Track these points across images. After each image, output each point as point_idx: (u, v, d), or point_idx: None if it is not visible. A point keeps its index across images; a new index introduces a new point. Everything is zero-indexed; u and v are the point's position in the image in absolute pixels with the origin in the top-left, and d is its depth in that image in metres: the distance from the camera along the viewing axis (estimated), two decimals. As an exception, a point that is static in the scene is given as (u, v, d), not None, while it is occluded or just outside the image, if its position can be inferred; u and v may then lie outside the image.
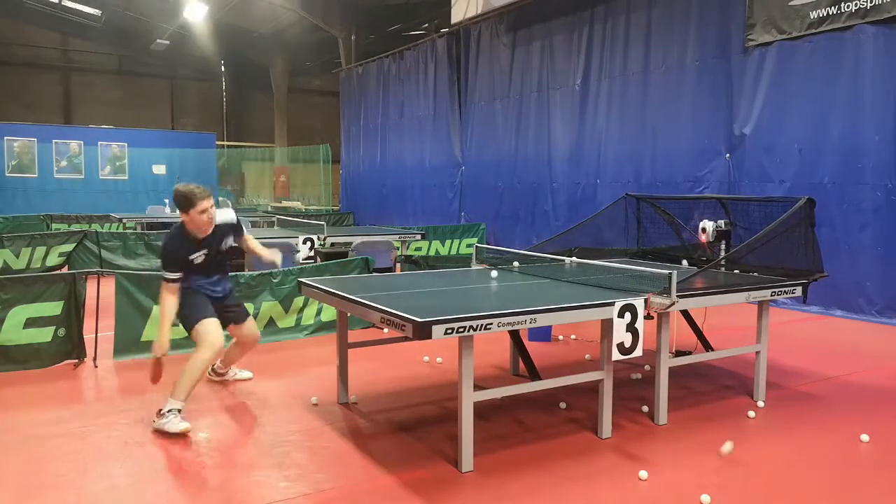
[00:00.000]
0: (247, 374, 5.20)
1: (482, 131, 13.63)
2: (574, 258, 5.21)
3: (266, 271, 6.33)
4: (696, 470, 3.61)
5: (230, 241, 4.58)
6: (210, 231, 4.37)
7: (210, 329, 4.26)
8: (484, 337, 3.73)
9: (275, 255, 4.73)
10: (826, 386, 5.12)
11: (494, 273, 4.85)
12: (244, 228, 4.80)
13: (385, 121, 17.17)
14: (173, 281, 4.29)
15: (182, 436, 3.97)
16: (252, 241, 4.83)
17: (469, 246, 12.15)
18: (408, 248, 9.81)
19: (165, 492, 3.35)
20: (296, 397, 4.73)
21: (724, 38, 8.91)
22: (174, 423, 4.00)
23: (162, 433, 4.00)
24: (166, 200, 13.63)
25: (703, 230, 5.22)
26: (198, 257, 4.36)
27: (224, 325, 4.53)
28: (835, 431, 4.18)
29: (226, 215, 4.55)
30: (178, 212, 4.30)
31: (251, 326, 4.84)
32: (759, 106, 8.53)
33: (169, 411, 4.03)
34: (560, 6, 11.51)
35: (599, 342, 4.00)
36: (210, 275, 4.51)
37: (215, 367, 5.04)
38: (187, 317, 4.35)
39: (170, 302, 4.27)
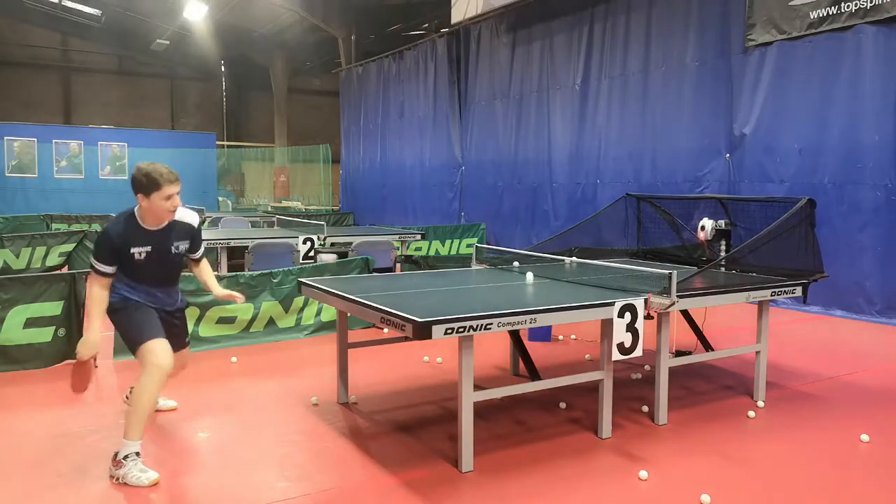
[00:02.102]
0: (171, 403, 4.49)
1: (482, 131, 13.63)
2: (574, 258, 5.21)
3: (266, 271, 6.33)
4: (696, 470, 3.61)
5: (183, 247, 3.85)
6: (163, 224, 3.71)
7: (156, 349, 3.56)
8: (484, 337, 3.73)
9: (232, 295, 4.09)
10: (826, 386, 5.12)
11: (530, 276, 4.75)
12: (201, 244, 4.06)
13: (385, 121, 17.17)
14: (103, 274, 3.61)
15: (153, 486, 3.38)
16: (206, 266, 4.16)
17: (469, 246, 12.15)
18: (408, 248, 9.81)
19: (165, 492, 3.35)
20: (296, 397, 4.73)
21: (724, 38, 8.91)
22: (137, 475, 3.36)
23: (126, 486, 3.37)
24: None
25: (702, 228, 5.22)
26: (139, 252, 3.64)
27: None
28: (835, 431, 4.18)
29: (188, 216, 3.88)
30: (134, 194, 3.62)
31: (186, 356, 4.21)
32: (759, 106, 8.53)
33: (126, 457, 3.41)
34: (560, 6, 11.51)
35: (599, 342, 4.00)
36: (156, 281, 3.80)
37: (128, 393, 4.36)
38: (131, 336, 3.66)
39: (99, 294, 3.60)
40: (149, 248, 3.68)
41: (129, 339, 3.68)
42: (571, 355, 5.95)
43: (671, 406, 4.37)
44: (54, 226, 13.45)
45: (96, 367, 3.67)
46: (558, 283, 4.59)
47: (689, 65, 9.40)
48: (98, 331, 3.58)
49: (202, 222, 11.21)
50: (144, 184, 3.56)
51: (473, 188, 13.95)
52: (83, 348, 3.57)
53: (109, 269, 3.62)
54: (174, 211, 3.68)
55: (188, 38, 22.66)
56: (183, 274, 5.49)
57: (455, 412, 3.58)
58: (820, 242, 4.85)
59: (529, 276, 4.79)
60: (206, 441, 3.98)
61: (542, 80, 12.01)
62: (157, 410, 4.39)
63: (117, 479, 3.40)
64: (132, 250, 3.63)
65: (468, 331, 3.34)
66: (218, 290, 4.10)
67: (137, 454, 3.45)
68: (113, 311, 3.72)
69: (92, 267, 3.63)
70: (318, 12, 18.81)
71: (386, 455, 3.77)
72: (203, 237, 4.12)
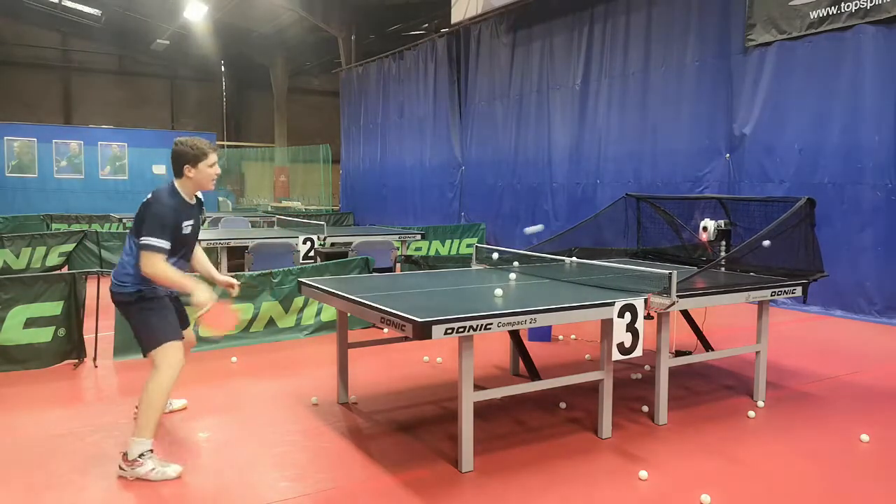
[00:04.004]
0: (181, 402, 4.52)
1: (482, 131, 13.63)
2: (574, 258, 5.21)
3: (266, 271, 6.33)
4: (696, 470, 3.61)
5: (199, 223, 3.92)
6: (195, 199, 3.81)
7: (174, 353, 3.60)
8: (484, 337, 3.73)
9: (230, 283, 4.09)
10: (826, 386, 5.12)
11: (513, 275, 4.80)
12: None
13: (385, 121, 17.17)
14: (164, 252, 3.52)
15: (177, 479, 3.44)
16: (201, 251, 4.11)
17: (469, 246, 12.15)
18: (408, 248, 9.81)
19: (165, 492, 3.35)
20: (296, 397, 4.73)
21: (724, 38, 8.91)
22: (161, 470, 3.42)
23: (147, 482, 3.40)
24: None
25: (705, 228, 5.21)
26: (187, 226, 3.70)
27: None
28: (835, 431, 4.18)
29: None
30: (177, 169, 3.66)
31: (192, 333, 4.24)
32: (759, 106, 8.53)
33: (141, 456, 3.43)
34: (560, 6, 11.51)
35: (599, 342, 4.00)
36: (184, 258, 3.83)
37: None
38: (153, 333, 3.62)
39: (167, 267, 3.55)
40: (192, 222, 3.75)
41: (150, 336, 3.62)
42: (571, 355, 5.95)
43: (671, 406, 4.37)
44: (54, 226, 13.45)
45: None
46: (558, 283, 4.59)
47: (689, 65, 9.40)
48: (197, 283, 3.62)
49: (203, 221, 11.24)
50: (193, 154, 3.65)
51: (473, 188, 13.95)
52: (202, 297, 3.54)
53: (167, 245, 3.54)
54: (215, 179, 3.77)
55: (188, 38, 22.65)
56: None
57: (455, 412, 3.58)
58: (820, 242, 4.85)
59: (512, 274, 4.80)
60: (206, 441, 3.98)
61: (542, 80, 12.01)
62: (170, 411, 4.39)
63: (136, 478, 3.41)
64: (184, 224, 3.67)
65: (468, 331, 3.34)
66: (218, 276, 4.09)
67: (151, 451, 3.47)
68: (139, 300, 3.64)
69: (151, 248, 3.49)
70: (318, 12, 18.81)
71: (386, 455, 3.77)
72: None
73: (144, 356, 3.67)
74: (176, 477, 3.44)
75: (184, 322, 4.01)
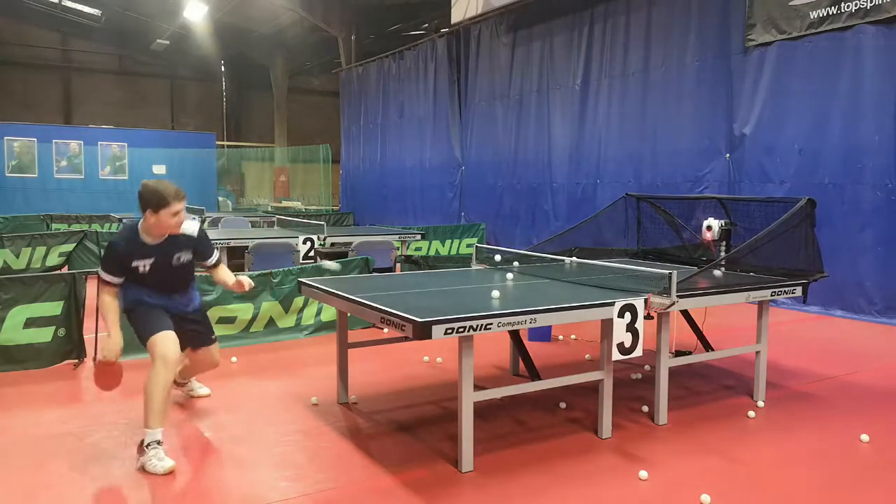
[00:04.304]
0: (205, 390, 4.73)
1: (482, 131, 13.63)
2: (574, 258, 5.20)
3: (266, 271, 6.33)
4: (696, 470, 3.61)
5: (185, 258, 3.99)
6: (164, 238, 3.87)
7: (161, 342, 3.74)
8: (484, 337, 3.73)
9: (240, 282, 4.28)
10: (826, 386, 5.12)
11: (510, 275, 4.80)
12: (214, 252, 4.23)
13: (385, 121, 17.17)
14: (111, 284, 3.83)
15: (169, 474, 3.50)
16: (223, 270, 4.29)
17: (469, 246, 12.14)
18: (408, 248, 9.81)
19: (165, 492, 3.35)
20: (296, 397, 4.73)
21: (724, 38, 8.91)
22: (154, 463, 3.51)
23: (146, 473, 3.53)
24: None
25: (709, 228, 5.20)
26: (143, 265, 3.83)
27: (182, 347, 3.94)
28: (835, 431, 4.18)
29: (188, 226, 3.96)
30: (142, 210, 3.78)
31: (212, 354, 4.33)
32: (759, 106, 8.53)
33: (148, 445, 3.57)
34: (560, 6, 11.51)
35: (599, 342, 4.00)
36: (165, 289, 3.98)
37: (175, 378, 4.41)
38: (141, 332, 3.83)
39: (110, 302, 3.82)
40: (151, 261, 3.86)
41: (140, 336, 3.85)
42: (571, 355, 5.95)
43: (671, 406, 4.37)
44: (54, 226, 13.44)
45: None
46: (558, 283, 4.59)
47: (689, 65, 9.40)
48: (119, 334, 3.81)
49: (203, 223, 11.23)
50: (154, 201, 3.72)
51: (473, 188, 13.95)
52: (107, 351, 3.79)
53: (116, 280, 3.85)
54: (178, 226, 3.86)
55: (188, 38, 22.66)
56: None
57: (455, 412, 3.58)
58: (820, 242, 4.85)
59: (509, 274, 4.80)
60: (206, 441, 3.98)
61: (542, 80, 12.01)
62: (192, 397, 4.68)
63: (140, 466, 3.56)
64: (134, 264, 3.82)
65: (468, 331, 3.34)
66: (231, 280, 4.27)
67: (159, 443, 3.58)
68: (128, 312, 3.94)
69: (100, 277, 3.85)
70: (318, 12, 18.81)
71: (386, 455, 3.77)
72: (212, 243, 4.28)
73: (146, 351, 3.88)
74: (162, 473, 3.49)
75: (203, 339, 4.26)
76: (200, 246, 4.08)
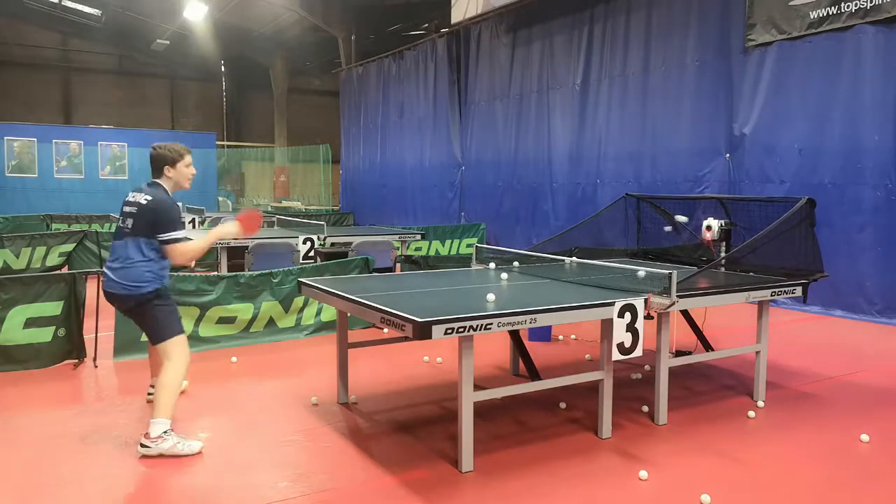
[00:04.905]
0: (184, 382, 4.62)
1: (482, 131, 13.63)
2: (574, 258, 5.20)
3: (266, 271, 6.33)
4: (696, 470, 3.61)
5: None
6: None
7: (185, 343, 4.01)
8: (484, 337, 3.73)
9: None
10: (826, 386, 5.12)
11: (504, 275, 4.80)
12: None
13: (385, 121, 17.17)
14: (187, 240, 3.96)
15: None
16: None
17: (469, 246, 12.14)
18: (408, 248, 9.81)
19: (165, 492, 3.35)
20: (296, 397, 4.73)
21: (724, 38, 8.91)
22: (184, 445, 3.75)
23: (174, 457, 3.71)
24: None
25: (709, 228, 5.21)
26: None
27: None
28: (835, 431, 4.18)
29: None
30: (159, 171, 4.04)
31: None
32: (759, 106, 8.53)
33: (165, 433, 3.74)
34: (560, 6, 11.51)
35: (599, 342, 4.00)
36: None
37: (153, 382, 4.54)
38: (169, 326, 3.95)
39: (195, 241, 3.99)
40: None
41: (165, 328, 3.94)
42: (571, 355, 5.95)
43: (671, 406, 4.37)
44: (54, 226, 13.44)
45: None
46: (558, 283, 4.59)
47: (689, 65, 9.40)
48: (222, 227, 4.17)
49: (203, 221, 11.23)
50: (171, 156, 4.05)
51: (473, 188, 13.95)
52: (228, 230, 4.10)
53: (186, 235, 3.99)
54: (191, 179, 4.17)
55: (188, 38, 22.66)
56: (188, 275, 5.55)
57: (455, 412, 3.58)
58: (820, 242, 4.85)
59: (504, 274, 4.80)
60: (206, 441, 3.98)
61: (542, 80, 12.01)
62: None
63: (160, 453, 3.71)
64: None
65: (468, 331, 3.34)
66: None
67: (171, 430, 3.78)
68: (157, 297, 3.91)
69: (177, 241, 3.87)
70: (318, 12, 18.81)
71: (386, 455, 3.77)
72: None
73: (154, 345, 4.03)
74: (198, 451, 3.77)
75: None
76: None
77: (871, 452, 3.89)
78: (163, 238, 3.85)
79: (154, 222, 3.84)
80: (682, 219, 5.43)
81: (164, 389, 3.84)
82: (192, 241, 3.97)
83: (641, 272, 4.24)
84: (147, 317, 3.94)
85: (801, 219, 4.74)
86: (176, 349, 3.94)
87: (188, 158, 4.14)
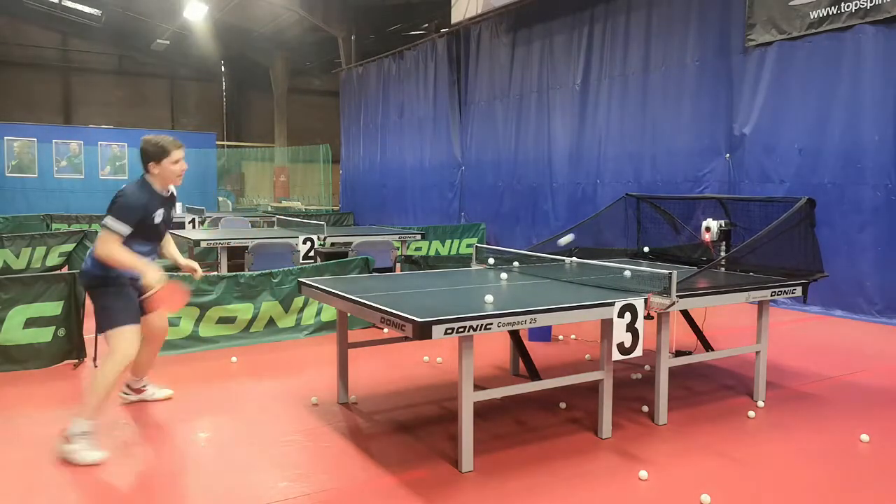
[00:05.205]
0: (166, 392, 4.64)
1: (482, 131, 13.63)
2: (574, 258, 5.20)
3: (266, 271, 6.33)
4: (696, 470, 3.61)
5: (173, 213, 4.16)
6: (169, 191, 4.04)
7: (128, 337, 3.76)
8: (484, 337, 3.72)
9: (191, 267, 4.27)
10: (826, 386, 5.12)
11: (504, 275, 4.80)
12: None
13: (385, 121, 17.17)
14: (118, 234, 3.72)
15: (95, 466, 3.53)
16: (170, 238, 4.34)
17: (469, 246, 12.15)
18: (408, 248, 9.81)
19: (165, 492, 3.35)
20: (296, 397, 4.73)
21: (724, 38, 8.91)
22: (84, 453, 3.53)
23: (68, 462, 3.53)
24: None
25: (708, 229, 5.21)
26: (158, 216, 3.94)
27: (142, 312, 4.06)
28: (835, 431, 4.18)
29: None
30: (145, 165, 3.90)
31: (163, 318, 4.33)
32: (759, 106, 8.53)
33: (77, 435, 3.57)
34: (560, 6, 11.51)
35: (599, 342, 4.00)
36: (156, 244, 4.06)
37: (129, 382, 4.50)
38: (109, 315, 3.77)
39: (125, 250, 3.73)
40: (162, 212, 3.98)
41: (107, 317, 3.79)
42: (571, 355, 5.95)
43: (671, 406, 4.37)
44: (54, 226, 13.45)
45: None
46: (558, 283, 4.59)
47: (689, 65, 9.40)
48: (148, 264, 3.79)
49: (203, 221, 11.23)
50: (155, 152, 3.89)
51: (473, 188, 13.96)
52: (152, 278, 3.73)
53: (126, 230, 3.75)
54: (182, 174, 3.99)
55: (188, 38, 22.66)
56: (187, 274, 5.52)
57: (455, 412, 3.58)
58: (820, 242, 4.85)
59: (504, 274, 4.80)
60: (206, 441, 3.98)
61: (542, 80, 12.01)
62: (155, 399, 4.58)
63: (63, 454, 3.55)
64: (154, 214, 3.91)
65: (468, 331, 3.34)
66: (181, 260, 4.29)
67: (89, 433, 3.61)
68: (102, 282, 3.81)
69: (108, 228, 3.71)
70: (318, 12, 18.81)
71: (386, 455, 3.77)
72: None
73: (99, 333, 3.86)
74: (92, 463, 3.51)
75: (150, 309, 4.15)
76: (173, 204, 4.19)
77: (871, 452, 3.89)
78: (103, 221, 3.78)
79: (108, 208, 3.79)
80: (565, 240, 5.37)
81: (93, 386, 3.63)
82: (119, 245, 3.71)
83: (627, 272, 4.26)
84: (94, 303, 3.86)
85: (801, 218, 4.74)
86: (117, 342, 3.71)
87: (175, 154, 3.93)
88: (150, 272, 3.74)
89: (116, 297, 3.82)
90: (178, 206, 14.21)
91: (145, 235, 3.91)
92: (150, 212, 3.87)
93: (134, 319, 3.85)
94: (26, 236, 9.76)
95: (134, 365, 4.15)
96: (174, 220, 4.38)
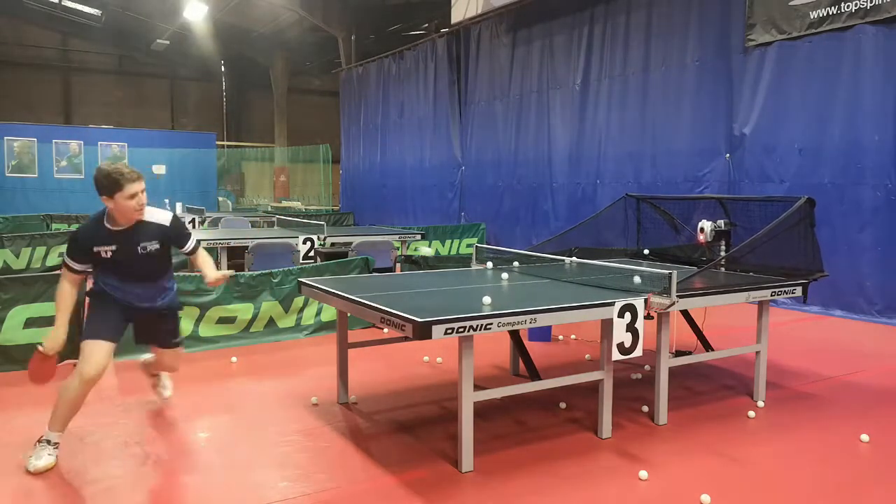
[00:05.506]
0: (167, 393, 4.63)
1: (482, 131, 13.63)
2: (574, 258, 5.20)
3: (266, 271, 6.33)
4: (696, 470, 3.61)
5: (152, 247, 3.79)
6: (131, 224, 3.71)
7: (90, 351, 3.62)
8: (484, 337, 3.72)
9: (221, 278, 4.09)
10: (826, 386, 5.12)
11: (505, 275, 4.80)
12: (189, 239, 4.03)
13: (385, 121, 17.17)
14: (73, 271, 3.69)
15: (45, 472, 3.51)
16: (202, 256, 4.10)
17: (469, 246, 12.15)
18: (408, 248, 9.81)
19: (165, 492, 3.35)
20: (296, 397, 4.73)
21: (724, 38, 8.91)
22: (34, 459, 3.51)
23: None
24: (167, 200, 13.65)
25: (702, 230, 5.22)
26: (104, 251, 3.67)
27: (147, 341, 4.11)
28: (835, 431, 4.18)
29: (159, 215, 3.85)
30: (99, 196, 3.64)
31: (171, 358, 4.24)
32: (759, 106, 8.53)
33: (39, 441, 3.59)
34: (560, 6, 11.51)
35: (599, 342, 4.00)
36: (129, 279, 3.80)
37: (146, 361, 4.50)
38: (87, 325, 3.76)
39: (68, 290, 3.67)
40: (113, 248, 3.70)
41: (84, 328, 3.82)
42: (571, 355, 5.95)
43: (671, 406, 4.37)
44: (54, 226, 13.44)
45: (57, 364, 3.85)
46: (558, 283, 4.59)
47: (689, 65, 9.40)
48: (64, 328, 3.66)
49: (203, 221, 11.21)
50: (106, 185, 3.56)
51: (473, 188, 13.96)
52: (48, 343, 3.65)
53: (78, 266, 3.71)
54: (141, 209, 3.68)
55: (188, 38, 22.66)
56: (187, 274, 5.51)
57: (455, 412, 3.58)
58: (820, 242, 4.85)
59: (504, 274, 4.80)
60: (206, 441, 3.98)
61: (542, 80, 12.01)
62: (154, 389, 4.63)
63: (25, 459, 3.58)
64: (95, 249, 3.67)
65: (468, 331, 3.34)
66: (210, 274, 4.01)
67: (49, 442, 3.59)
68: (90, 295, 3.88)
69: (64, 263, 3.73)
70: (318, 12, 18.81)
71: (386, 455, 3.77)
72: (187, 230, 4.10)
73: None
74: (31, 471, 3.48)
75: (165, 340, 4.13)
76: (173, 234, 3.90)
77: (871, 452, 3.89)
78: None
79: None
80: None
81: (56, 398, 3.61)
82: (67, 281, 3.69)
83: (637, 278, 4.24)
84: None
85: (801, 218, 4.74)
86: (83, 354, 3.62)
87: (129, 188, 3.55)
88: (49, 339, 3.64)
89: (94, 309, 3.80)
90: (178, 206, 14.24)
91: (106, 270, 3.76)
92: (90, 246, 3.66)
93: (103, 335, 3.69)
94: (26, 236, 9.76)
95: (145, 365, 4.49)
96: None
